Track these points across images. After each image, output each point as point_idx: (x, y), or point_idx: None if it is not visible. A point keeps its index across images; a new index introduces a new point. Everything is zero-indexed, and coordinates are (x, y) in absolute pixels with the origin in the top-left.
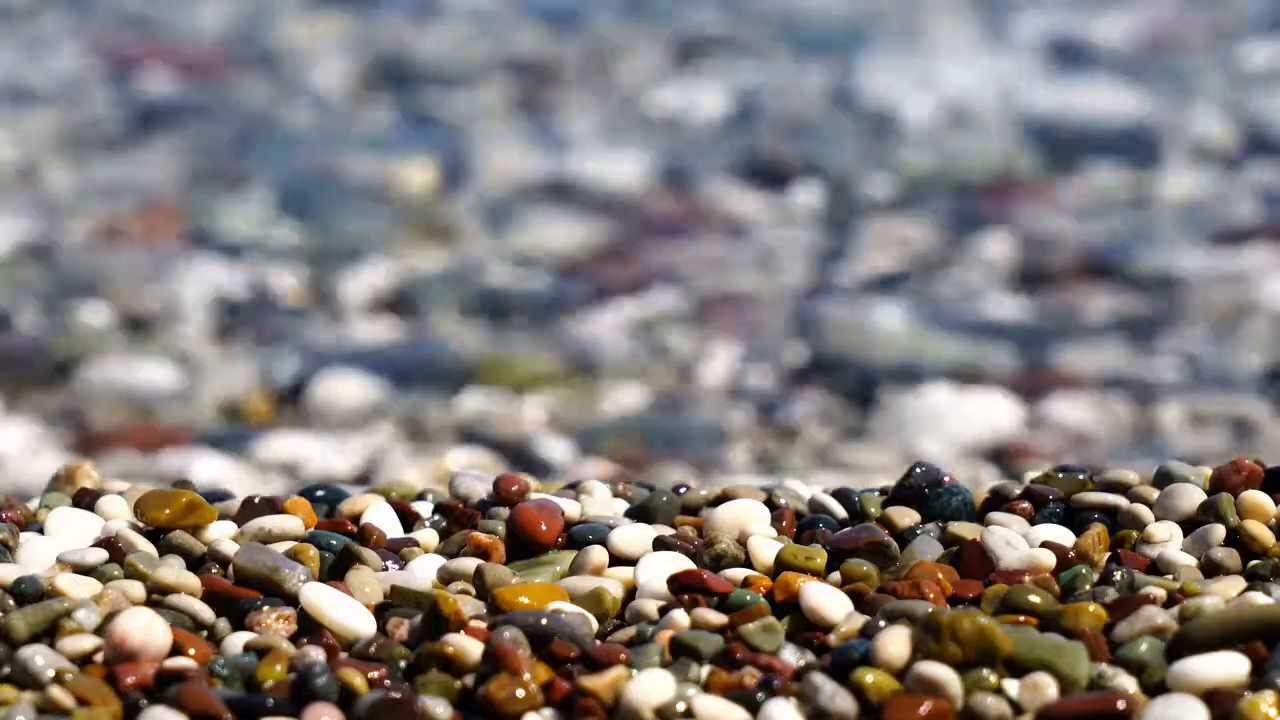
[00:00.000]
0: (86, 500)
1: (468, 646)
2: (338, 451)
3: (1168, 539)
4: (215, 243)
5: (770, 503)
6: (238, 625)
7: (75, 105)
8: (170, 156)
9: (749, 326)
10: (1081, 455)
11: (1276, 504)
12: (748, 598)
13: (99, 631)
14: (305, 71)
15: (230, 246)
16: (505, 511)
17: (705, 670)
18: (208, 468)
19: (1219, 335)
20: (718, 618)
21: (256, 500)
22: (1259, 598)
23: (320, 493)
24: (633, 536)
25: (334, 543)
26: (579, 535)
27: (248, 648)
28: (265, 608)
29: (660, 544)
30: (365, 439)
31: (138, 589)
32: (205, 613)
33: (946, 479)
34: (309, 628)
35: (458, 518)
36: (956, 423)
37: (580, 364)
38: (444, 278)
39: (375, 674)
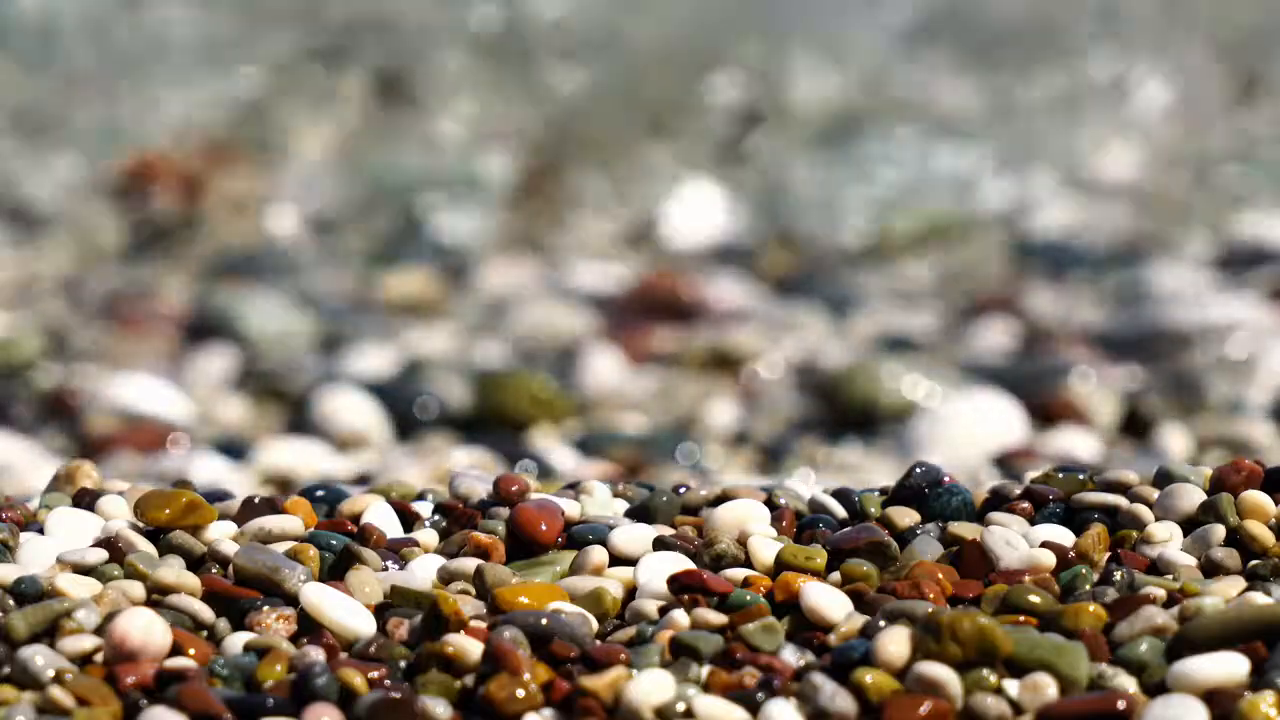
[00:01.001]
0: (86, 500)
1: (468, 646)
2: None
3: (1168, 539)
4: None
5: (770, 503)
6: (238, 625)
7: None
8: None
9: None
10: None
11: (1276, 504)
12: (748, 598)
13: (99, 631)
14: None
15: None
16: (505, 511)
17: (705, 670)
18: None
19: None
20: (718, 618)
21: (256, 500)
22: (1259, 598)
23: (320, 493)
24: (633, 536)
25: (334, 543)
26: (579, 535)
27: (248, 648)
28: (265, 608)
29: (660, 544)
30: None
31: (138, 589)
32: (205, 613)
33: (946, 479)
34: (309, 628)
35: (458, 518)
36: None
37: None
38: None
39: (375, 674)
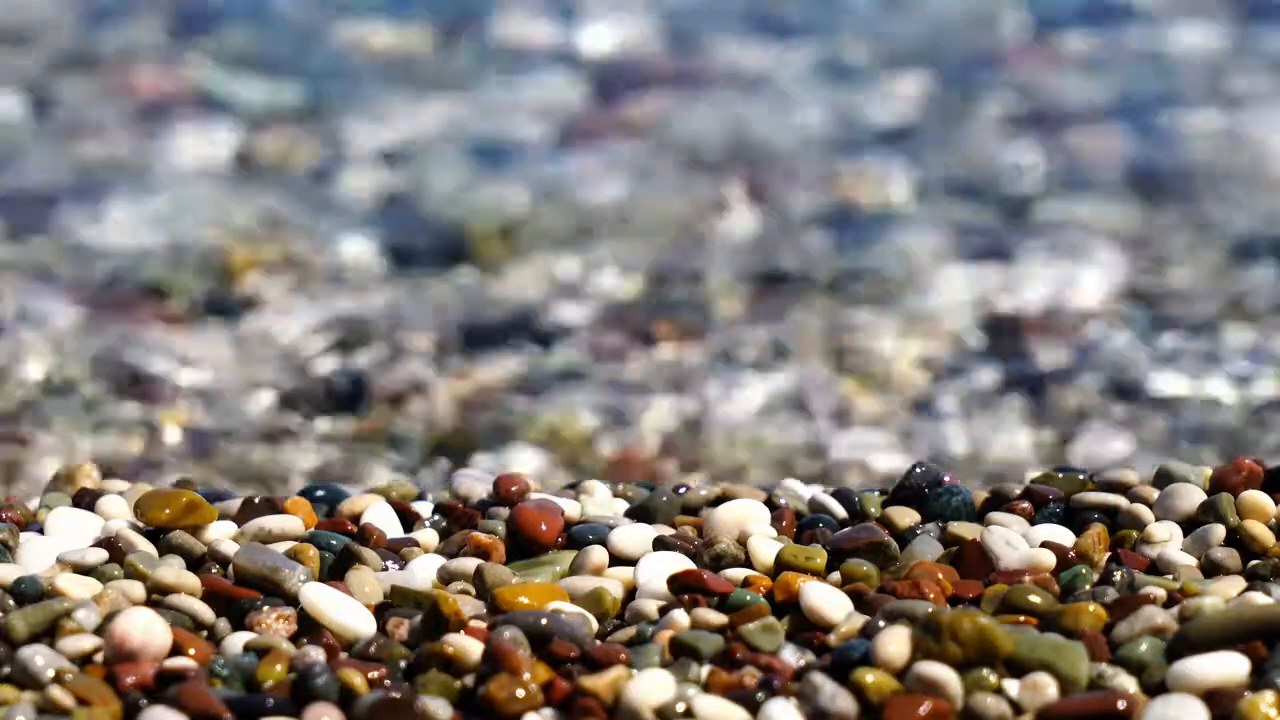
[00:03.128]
0: (86, 500)
1: (468, 646)
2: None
3: (1168, 539)
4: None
5: (770, 503)
6: (238, 625)
7: None
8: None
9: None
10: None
11: (1276, 504)
12: (748, 598)
13: (99, 631)
14: None
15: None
16: (505, 511)
17: (705, 670)
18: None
19: None
20: (718, 618)
21: (256, 500)
22: (1259, 598)
23: (320, 493)
24: (633, 536)
25: (334, 543)
26: (579, 535)
27: (248, 648)
28: (265, 608)
29: (660, 544)
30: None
31: (138, 589)
32: (205, 613)
33: (946, 479)
34: (309, 628)
35: (458, 518)
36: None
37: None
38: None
39: (375, 674)
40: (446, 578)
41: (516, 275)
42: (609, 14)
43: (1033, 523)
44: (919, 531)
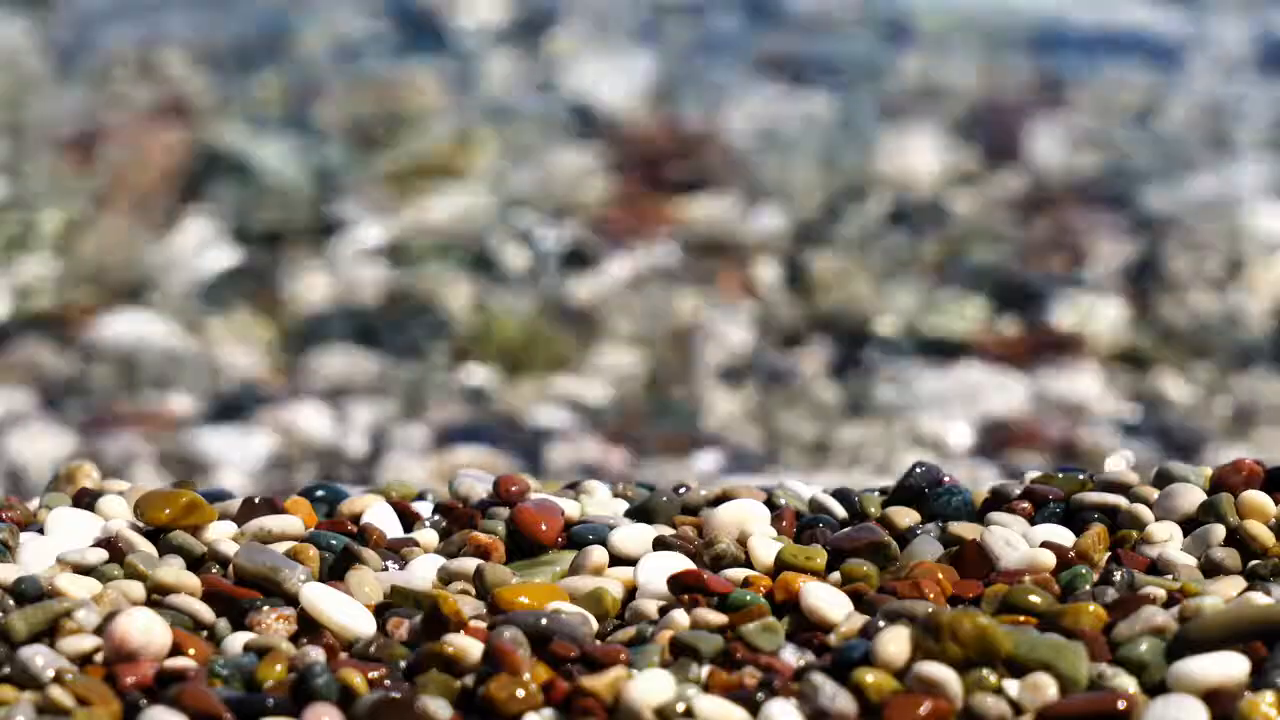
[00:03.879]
0: (86, 500)
1: (468, 646)
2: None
3: (1168, 539)
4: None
5: (770, 503)
6: (238, 625)
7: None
8: None
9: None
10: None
11: (1276, 504)
12: (748, 598)
13: (99, 631)
14: None
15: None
16: (505, 511)
17: (705, 670)
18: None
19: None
20: (718, 618)
21: (256, 500)
22: (1259, 598)
23: (320, 493)
24: (633, 536)
25: (334, 543)
26: (579, 535)
27: (248, 648)
28: (265, 608)
29: (660, 544)
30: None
31: (138, 589)
32: (205, 613)
33: (946, 479)
34: (309, 628)
35: (458, 518)
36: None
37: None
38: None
39: (375, 674)
40: (446, 578)
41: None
42: None
43: (1033, 523)
44: (919, 531)
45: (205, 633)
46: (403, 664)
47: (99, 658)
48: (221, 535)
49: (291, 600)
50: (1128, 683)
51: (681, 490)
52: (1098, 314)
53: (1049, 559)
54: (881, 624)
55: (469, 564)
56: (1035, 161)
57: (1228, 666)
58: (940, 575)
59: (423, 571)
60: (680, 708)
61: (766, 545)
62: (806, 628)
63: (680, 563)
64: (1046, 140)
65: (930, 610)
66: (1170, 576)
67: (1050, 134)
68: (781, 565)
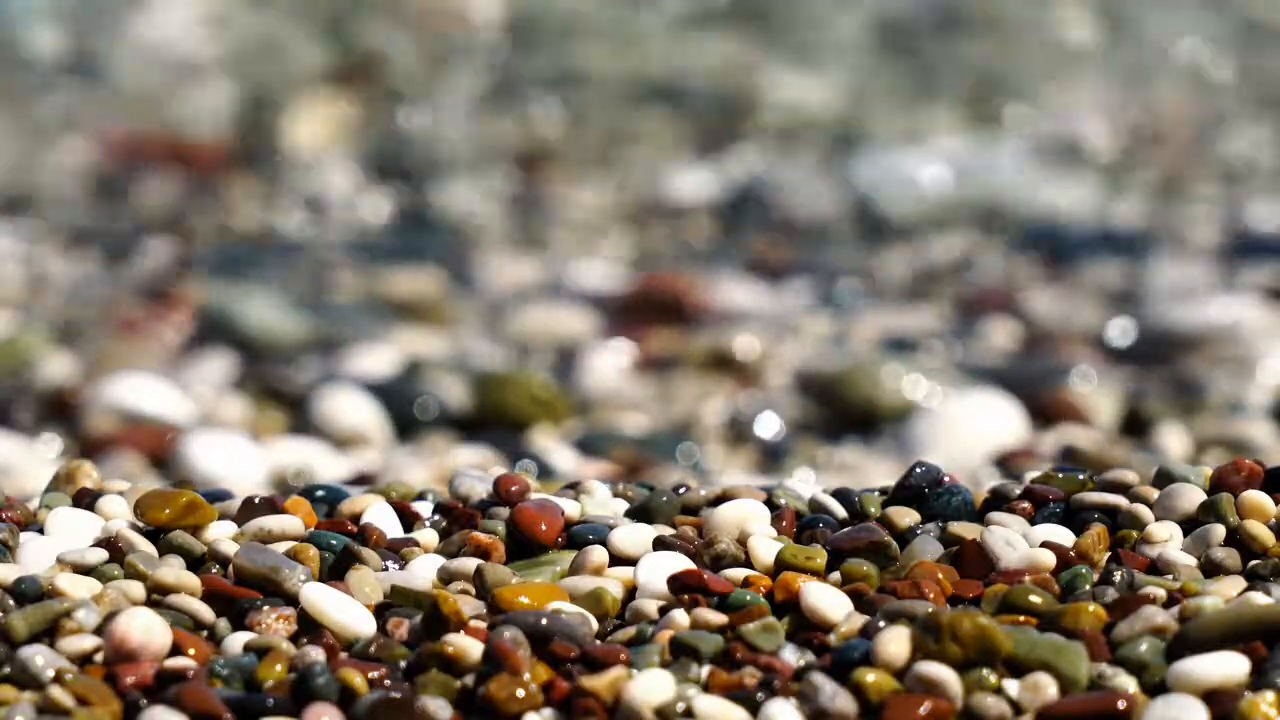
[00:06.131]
0: (86, 500)
1: (468, 646)
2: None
3: (1168, 539)
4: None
5: (770, 503)
6: (238, 625)
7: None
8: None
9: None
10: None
11: (1276, 504)
12: (748, 598)
13: (99, 631)
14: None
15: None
16: (505, 511)
17: (705, 670)
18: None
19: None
20: (718, 618)
21: (256, 500)
22: (1259, 598)
23: (320, 493)
24: (633, 536)
25: (334, 543)
26: (579, 535)
27: (248, 648)
28: (265, 608)
29: (660, 544)
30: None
31: (138, 589)
32: (205, 613)
33: (946, 479)
34: (309, 628)
35: (458, 518)
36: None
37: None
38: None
39: (375, 674)
40: (446, 578)
41: None
42: None
43: (1033, 523)
44: (919, 531)
45: (205, 633)
46: (403, 664)
47: (99, 658)
48: (221, 535)
49: (291, 600)
50: (1128, 683)
51: (681, 490)
52: None
53: (1049, 559)
54: (881, 624)
55: (469, 564)
56: None
57: (1228, 666)
58: (940, 575)
59: (423, 571)
60: (680, 708)
61: (766, 545)
62: (806, 628)
63: (680, 563)
64: None
65: (930, 610)
66: (1170, 576)
67: None
68: (781, 565)
